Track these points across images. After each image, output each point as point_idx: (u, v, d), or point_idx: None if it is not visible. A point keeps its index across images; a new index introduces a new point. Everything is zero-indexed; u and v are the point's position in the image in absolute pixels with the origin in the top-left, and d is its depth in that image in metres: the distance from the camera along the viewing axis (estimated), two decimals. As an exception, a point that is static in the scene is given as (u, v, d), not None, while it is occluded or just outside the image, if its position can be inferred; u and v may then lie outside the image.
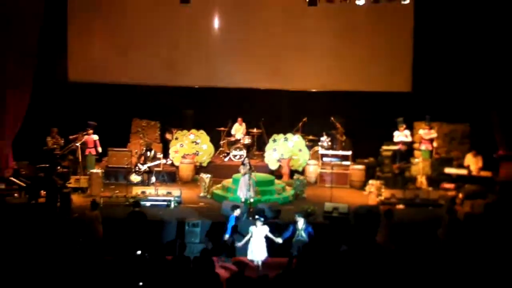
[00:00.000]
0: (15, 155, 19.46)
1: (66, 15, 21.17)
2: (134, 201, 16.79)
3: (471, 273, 12.82)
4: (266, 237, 14.87)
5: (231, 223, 15.27)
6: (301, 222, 15.05)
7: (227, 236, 15.12)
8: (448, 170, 20.26)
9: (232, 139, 22.27)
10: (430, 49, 21.37)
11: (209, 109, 22.56)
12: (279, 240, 14.86)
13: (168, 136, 22.03)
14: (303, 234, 14.92)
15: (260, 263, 14.74)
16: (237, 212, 15.54)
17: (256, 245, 14.66)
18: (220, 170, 20.94)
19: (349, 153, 21.17)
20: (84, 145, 19.89)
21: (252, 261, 14.85)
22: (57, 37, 21.00)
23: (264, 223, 14.98)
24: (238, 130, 22.24)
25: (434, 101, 21.30)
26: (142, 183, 19.55)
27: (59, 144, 19.94)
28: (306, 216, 15.85)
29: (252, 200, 17.62)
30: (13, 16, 18.51)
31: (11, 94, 19.03)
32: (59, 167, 19.26)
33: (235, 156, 21.74)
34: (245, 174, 17.89)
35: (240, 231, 15.35)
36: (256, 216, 15.32)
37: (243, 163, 18.22)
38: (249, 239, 14.78)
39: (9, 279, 11.70)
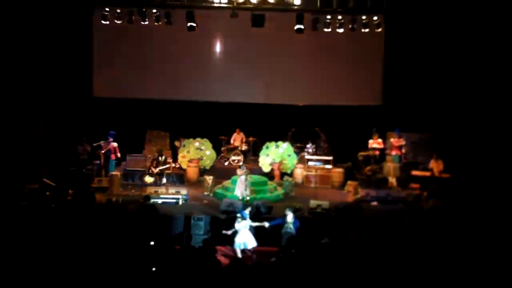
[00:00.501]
0: (48, 160, 19.50)
1: (92, 42, 21.15)
2: (145, 195, 16.84)
3: (434, 257, 12.88)
4: (254, 227, 14.91)
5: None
6: (290, 216, 15.06)
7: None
8: (415, 173, 20.33)
9: (231, 146, 22.25)
10: (399, 69, 21.40)
11: (211, 121, 22.53)
12: (266, 224, 14.86)
13: (176, 143, 22.02)
14: (291, 227, 14.94)
15: (251, 252, 14.75)
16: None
17: (243, 237, 14.67)
18: (221, 173, 20.94)
19: (331, 158, 21.20)
20: (109, 151, 19.89)
21: (244, 250, 14.84)
22: (84, 60, 20.98)
23: (256, 219, 15.03)
24: (237, 138, 22.24)
25: (403, 113, 21.33)
26: (155, 183, 19.58)
27: (87, 151, 19.96)
28: (295, 211, 15.89)
29: (248, 198, 17.69)
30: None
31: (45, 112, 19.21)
32: (84, 170, 19.30)
33: (233, 160, 21.75)
34: (241, 175, 17.97)
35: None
36: (238, 214, 15.22)
37: (240, 167, 18.32)
38: (234, 233, 14.77)
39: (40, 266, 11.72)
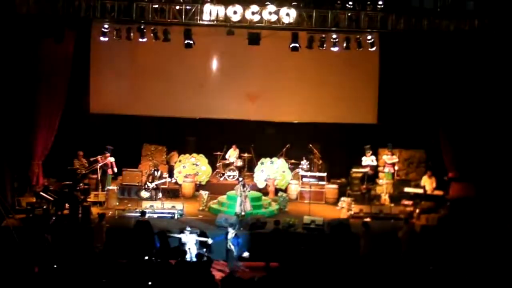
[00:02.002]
0: (46, 173, 19.53)
1: (89, 59, 21.24)
2: (141, 211, 16.88)
3: (427, 275, 12.99)
4: (198, 241, 15.06)
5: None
6: (231, 233, 15.20)
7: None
8: (407, 189, 20.39)
9: (227, 162, 22.30)
10: (393, 88, 21.54)
11: (207, 137, 22.59)
12: (210, 241, 15.01)
13: (169, 157, 22.09)
14: (230, 244, 15.05)
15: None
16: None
17: (190, 249, 14.84)
18: (216, 188, 21.00)
19: (325, 174, 21.32)
20: (106, 166, 19.92)
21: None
22: (81, 77, 21.07)
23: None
24: (232, 154, 22.28)
25: (396, 131, 21.47)
26: (151, 198, 19.66)
27: (84, 165, 20.00)
28: (288, 227, 16.01)
29: (243, 213, 17.76)
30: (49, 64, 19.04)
31: (42, 123, 19.25)
32: (81, 184, 19.34)
33: (229, 176, 21.78)
34: (240, 192, 18.03)
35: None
36: (187, 228, 15.38)
37: (239, 183, 18.37)
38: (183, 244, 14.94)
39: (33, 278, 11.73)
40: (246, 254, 15.30)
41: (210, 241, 15.11)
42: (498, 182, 18.31)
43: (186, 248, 14.92)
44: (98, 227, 15.74)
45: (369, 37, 19.22)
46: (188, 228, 15.40)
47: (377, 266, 13.24)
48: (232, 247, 15.13)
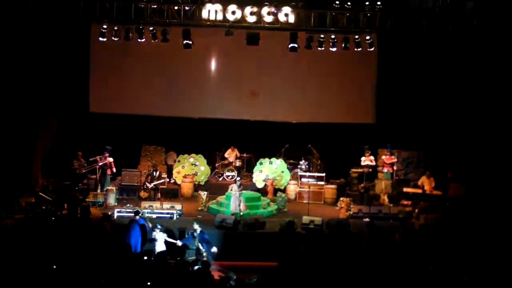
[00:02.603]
0: (44, 173, 19.52)
1: (89, 57, 21.23)
2: (135, 210, 16.85)
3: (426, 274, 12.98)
4: (166, 241, 15.12)
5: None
6: (197, 231, 15.17)
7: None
8: (406, 189, 20.41)
9: (226, 162, 22.30)
10: (391, 88, 21.53)
11: (206, 137, 22.57)
12: (179, 243, 14.95)
13: (169, 158, 22.09)
14: (198, 243, 15.06)
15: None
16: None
17: (159, 248, 14.80)
18: (215, 188, 20.99)
19: (323, 174, 21.31)
20: (105, 166, 19.90)
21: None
22: (81, 76, 21.08)
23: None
24: (231, 154, 22.28)
25: (395, 131, 21.47)
26: (150, 198, 19.63)
27: (83, 165, 19.97)
28: (289, 226, 16.06)
29: (242, 213, 17.77)
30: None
31: (42, 126, 19.30)
32: (80, 184, 19.33)
33: (228, 176, 21.77)
34: (236, 192, 18.06)
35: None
36: (157, 225, 15.44)
37: (235, 182, 18.40)
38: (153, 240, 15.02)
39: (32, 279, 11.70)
40: (214, 249, 15.24)
41: (179, 243, 15.05)
42: (495, 181, 18.33)
43: (156, 244, 14.99)
44: (100, 227, 15.70)
45: (367, 37, 19.23)
46: (159, 226, 15.42)
47: (378, 266, 13.21)
48: (200, 245, 15.09)
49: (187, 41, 18.92)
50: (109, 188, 19.43)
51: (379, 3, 18.35)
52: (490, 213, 17.60)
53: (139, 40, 19.12)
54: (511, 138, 18.49)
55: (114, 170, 20.31)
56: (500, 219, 17.09)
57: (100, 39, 19.38)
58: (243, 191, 18.55)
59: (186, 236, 15.91)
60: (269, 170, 21.14)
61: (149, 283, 11.38)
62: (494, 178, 18.52)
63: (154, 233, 15.28)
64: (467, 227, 16.95)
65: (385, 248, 15.57)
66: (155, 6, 18.31)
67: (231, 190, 18.47)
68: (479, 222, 17.11)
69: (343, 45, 19.35)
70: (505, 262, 13.45)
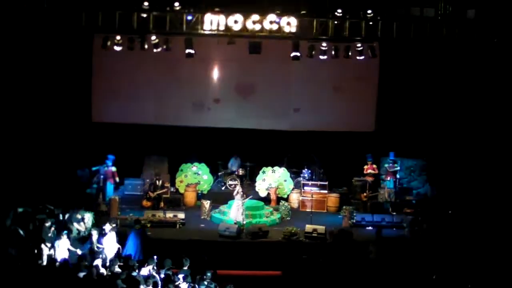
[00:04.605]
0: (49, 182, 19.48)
1: (91, 67, 21.23)
2: (135, 219, 16.78)
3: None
4: (69, 249, 14.60)
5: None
6: (95, 236, 14.97)
7: None
8: (409, 198, 20.34)
9: (228, 171, 22.23)
10: (392, 97, 21.51)
11: (209, 146, 22.50)
12: (79, 251, 14.46)
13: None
14: (98, 245, 14.77)
15: None
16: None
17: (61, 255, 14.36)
18: (218, 197, 20.88)
19: (326, 183, 21.23)
20: (108, 175, 19.85)
21: None
22: (83, 87, 21.07)
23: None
24: (234, 163, 22.22)
25: (397, 140, 21.41)
26: (153, 207, 19.56)
27: (86, 175, 19.91)
28: (291, 236, 16.00)
29: (244, 222, 17.71)
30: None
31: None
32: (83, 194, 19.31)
33: (230, 185, 21.68)
34: (239, 200, 18.01)
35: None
36: (63, 232, 14.95)
37: (237, 191, 18.34)
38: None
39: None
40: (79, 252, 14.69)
41: (79, 251, 14.50)
42: (497, 187, 18.34)
43: (56, 249, 14.35)
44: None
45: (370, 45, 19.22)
46: (65, 232, 14.89)
47: (384, 273, 13.18)
48: (101, 248, 14.83)
49: (190, 50, 18.91)
50: (112, 197, 19.37)
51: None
52: (489, 221, 17.58)
53: (141, 49, 19.10)
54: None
55: (117, 179, 20.25)
56: (501, 226, 17.07)
57: (102, 49, 19.38)
58: (246, 200, 18.46)
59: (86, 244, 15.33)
60: (272, 179, 21.06)
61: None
62: (496, 184, 18.50)
63: (56, 240, 14.56)
64: (468, 235, 16.93)
65: (394, 256, 15.54)
66: (157, 15, 18.31)
67: (236, 194, 18.32)
68: (479, 230, 17.09)
69: (345, 54, 19.33)
70: (504, 270, 13.43)
